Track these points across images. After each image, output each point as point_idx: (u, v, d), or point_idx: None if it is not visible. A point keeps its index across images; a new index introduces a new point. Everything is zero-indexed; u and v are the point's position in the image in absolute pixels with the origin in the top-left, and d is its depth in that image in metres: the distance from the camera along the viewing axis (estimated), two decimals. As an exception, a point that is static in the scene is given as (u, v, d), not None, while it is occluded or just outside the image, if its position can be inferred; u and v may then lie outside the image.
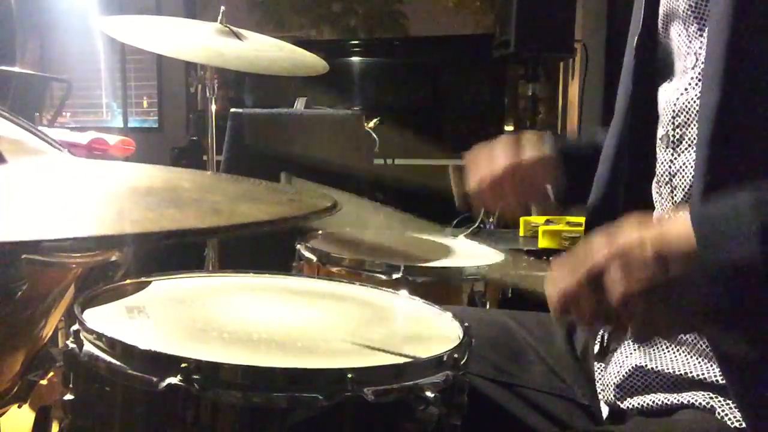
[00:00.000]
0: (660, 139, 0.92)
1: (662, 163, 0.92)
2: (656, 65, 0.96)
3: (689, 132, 0.88)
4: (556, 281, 0.77)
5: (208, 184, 0.95)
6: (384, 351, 0.83)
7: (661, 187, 0.93)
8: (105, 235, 0.57)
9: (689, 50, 0.90)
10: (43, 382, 1.13)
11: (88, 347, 0.76)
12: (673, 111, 0.90)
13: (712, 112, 0.82)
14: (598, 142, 1.09)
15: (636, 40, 0.97)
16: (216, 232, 0.64)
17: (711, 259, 0.70)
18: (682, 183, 0.89)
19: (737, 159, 0.82)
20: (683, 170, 0.89)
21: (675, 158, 0.90)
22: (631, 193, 0.98)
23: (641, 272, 0.71)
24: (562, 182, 1.10)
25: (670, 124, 0.91)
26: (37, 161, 0.94)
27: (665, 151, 0.92)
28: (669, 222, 0.74)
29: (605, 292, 0.73)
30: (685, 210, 0.75)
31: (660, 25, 0.95)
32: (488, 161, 1.07)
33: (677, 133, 0.90)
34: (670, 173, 0.91)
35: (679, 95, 0.90)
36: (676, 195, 0.90)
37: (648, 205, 0.97)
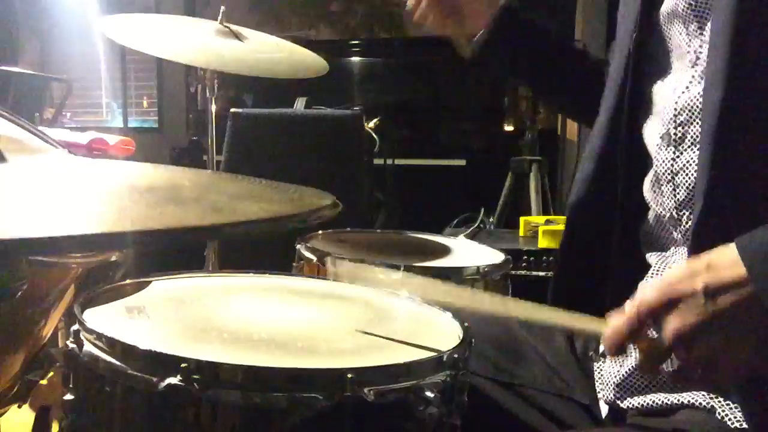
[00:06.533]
0: (661, 137, 0.92)
1: (663, 161, 0.92)
2: (652, 63, 0.96)
3: (692, 130, 0.88)
4: (610, 321, 0.75)
5: (208, 182, 0.95)
6: (384, 338, 0.83)
7: (662, 185, 0.92)
8: (106, 233, 0.57)
9: (689, 48, 0.90)
10: (43, 382, 1.13)
11: (88, 347, 0.75)
12: (675, 109, 0.90)
13: (716, 109, 0.82)
14: (571, 44, 1.18)
15: (633, 37, 0.97)
16: (217, 230, 0.64)
17: (764, 287, 0.68)
18: (686, 181, 0.89)
19: (741, 156, 0.82)
20: (686, 168, 0.89)
21: (677, 156, 0.90)
22: (629, 192, 0.98)
23: (693, 305, 0.70)
24: (490, 37, 1.21)
25: (671, 122, 0.90)
26: (38, 160, 0.94)
27: (666, 149, 0.91)
28: (715, 253, 0.73)
29: (659, 330, 0.72)
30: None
31: (662, 22, 0.94)
32: None
33: (679, 132, 0.90)
34: (672, 172, 0.91)
35: (681, 93, 0.89)
36: (678, 193, 0.90)
37: (644, 204, 0.97)
